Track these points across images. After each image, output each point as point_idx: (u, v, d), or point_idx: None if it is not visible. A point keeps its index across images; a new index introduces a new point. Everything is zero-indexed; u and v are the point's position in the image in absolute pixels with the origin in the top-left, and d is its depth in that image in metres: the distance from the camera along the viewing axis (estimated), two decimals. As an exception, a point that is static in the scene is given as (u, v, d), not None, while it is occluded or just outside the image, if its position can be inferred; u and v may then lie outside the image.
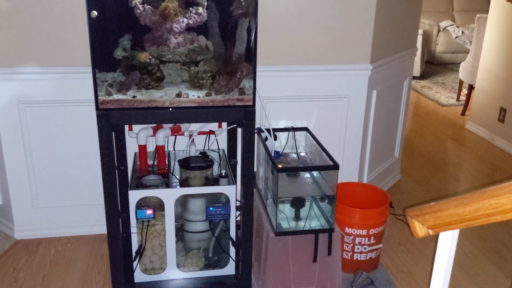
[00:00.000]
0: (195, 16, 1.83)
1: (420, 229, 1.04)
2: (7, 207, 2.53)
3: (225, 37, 1.90)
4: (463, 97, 5.17)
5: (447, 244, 1.03)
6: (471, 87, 4.77)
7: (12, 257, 2.40)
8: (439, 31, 6.84)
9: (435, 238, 1.13)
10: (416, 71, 6.12)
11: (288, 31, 2.41)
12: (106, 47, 1.86)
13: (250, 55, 1.88)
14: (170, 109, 1.85)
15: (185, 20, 1.83)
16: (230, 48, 1.90)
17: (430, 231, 1.03)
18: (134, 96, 1.83)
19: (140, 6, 1.78)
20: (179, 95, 1.86)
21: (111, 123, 1.82)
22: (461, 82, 5.14)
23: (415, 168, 3.59)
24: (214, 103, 1.88)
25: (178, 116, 1.89)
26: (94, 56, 1.79)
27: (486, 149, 4.00)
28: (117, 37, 1.87)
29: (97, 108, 1.80)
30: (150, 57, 1.85)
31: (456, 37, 6.77)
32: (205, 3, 1.84)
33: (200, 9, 1.84)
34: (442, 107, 5.13)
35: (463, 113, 4.85)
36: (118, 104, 1.81)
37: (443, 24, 6.91)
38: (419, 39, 6.09)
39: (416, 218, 1.05)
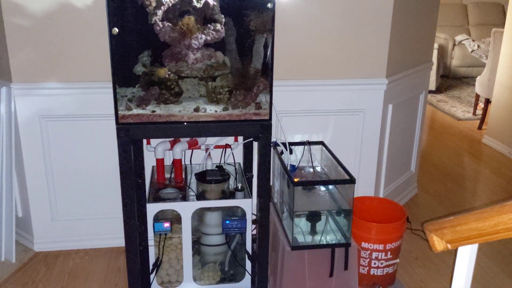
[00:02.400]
0: (213, 32, 1.87)
1: (439, 244, 1.04)
2: (27, 219, 2.57)
3: (242, 53, 1.94)
4: (479, 111, 5.13)
5: (466, 258, 1.03)
6: (487, 101, 4.73)
7: (31, 269, 2.43)
8: (454, 45, 6.82)
9: (453, 253, 1.12)
10: (432, 85, 6.10)
11: (304, 46, 2.44)
12: (126, 63, 1.91)
13: (267, 70, 1.91)
14: (188, 123, 1.88)
15: (203, 36, 1.86)
16: (247, 64, 1.93)
17: (449, 246, 1.03)
18: (153, 111, 1.86)
19: (160, 23, 1.83)
20: (197, 109, 1.89)
21: (130, 137, 1.85)
22: (477, 96, 5.11)
23: (432, 182, 3.56)
24: (231, 118, 1.90)
25: (196, 130, 1.91)
26: (115, 71, 1.83)
27: (504, 163, 3.95)
28: (137, 53, 1.91)
29: (117, 122, 1.84)
30: (169, 72, 1.89)
31: (472, 51, 6.75)
32: (223, 20, 1.88)
33: (218, 26, 1.87)
34: (458, 121, 5.10)
35: (479, 127, 4.81)
36: (138, 119, 1.85)
37: (458, 38, 6.90)
38: (435, 53, 6.08)
39: (434, 232, 1.05)
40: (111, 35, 1.77)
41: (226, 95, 1.93)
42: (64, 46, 2.30)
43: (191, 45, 1.85)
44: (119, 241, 2.50)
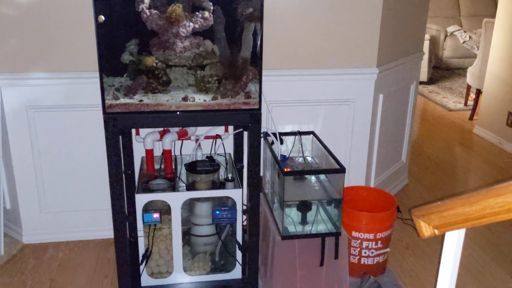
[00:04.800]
0: (201, 20, 1.85)
1: (426, 229, 1.03)
2: (15, 211, 2.55)
3: (231, 41, 1.92)
4: (470, 102, 5.15)
5: (453, 243, 1.03)
6: (478, 92, 4.75)
7: (20, 261, 2.41)
8: (446, 36, 6.82)
9: (442, 241, 1.12)
10: (424, 76, 6.11)
11: (294, 35, 2.42)
12: (113, 51, 1.88)
13: (256, 59, 1.89)
14: (177, 112, 1.86)
15: (191, 24, 1.84)
16: (236, 52, 1.91)
17: (436, 231, 1.02)
18: (140, 100, 1.84)
19: (147, 10, 1.80)
20: (185, 99, 1.87)
21: (118, 127, 1.83)
22: (468, 87, 5.12)
23: (423, 172, 3.57)
24: (220, 107, 1.89)
25: (184, 120, 1.89)
26: (101, 60, 1.81)
27: (494, 153, 3.97)
28: (124, 41, 1.89)
29: (104, 112, 1.82)
30: (157, 61, 1.86)
31: (464, 42, 6.75)
32: (211, 8, 1.85)
33: (206, 14, 1.85)
34: (449, 112, 5.11)
35: (471, 118, 4.82)
36: (125, 108, 1.82)
37: (450, 29, 6.90)
38: (426, 44, 6.08)
39: (422, 218, 1.04)
40: (97, 23, 1.74)
41: (215, 84, 1.91)
42: (51, 35, 2.26)
43: (179, 33, 1.83)
44: (109, 232, 2.49)
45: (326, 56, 2.48)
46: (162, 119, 1.87)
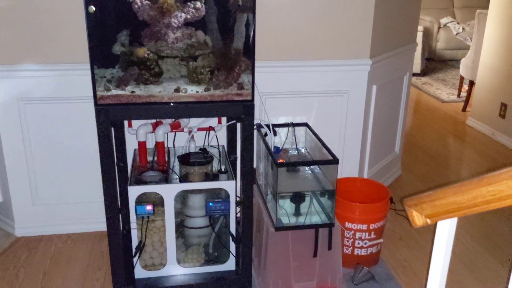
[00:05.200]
0: (193, 11, 1.83)
1: (418, 218, 1.03)
2: (7, 204, 2.53)
3: (224, 32, 1.90)
4: (464, 93, 5.16)
5: (445, 232, 1.03)
6: (471, 83, 4.76)
7: (12, 254, 2.40)
8: (439, 28, 6.82)
9: (435, 231, 1.12)
10: (417, 68, 6.11)
11: (287, 26, 2.41)
12: (104, 42, 1.86)
13: (249, 50, 1.88)
14: (169, 104, 1.85)
15: (183, 15, 1.82)
16: (228, 43, 1.90)
17: (428, 220, 1.02)
18: (132, 92, 1.83)
19: (138, 1, 1.78)
20: (177, 90, 1.86)
21: (110, 119, 1.82)
22: (461, 78, 5.13)
23: (416, 164, 3.58)
24: (213, 98, 1.88)
25: (177, 111, 1.88)
26: (93, 52, 1.79)
27: (487, 144, 3.99)
28: (115, 32, 1.87)
29: (96, 104, 1.80)
30: (148, 52, 1.85)
31: (457, 34, 6.76)
32: (203, -2, 1.84)
33: (198, 4, 1.83)
34: (443, 104, 5.12)
35: (464, 109, 4.84)
36: (117, 100, 1.81)
37: (443, 21, 6.90)
38: (420, 36, 6.08)
39: (414, 207, 1.04)
40: (88, 14, 1.72)
41: (207, 75, 1.90)
42: (42, 27, 2.24)
43: (170, 24, 1.81)
44: (102, 225, 2.47)
45: (319, 47, 2.47)
46: (154, 111, 1.85)
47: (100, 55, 1.85)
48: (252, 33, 1.86)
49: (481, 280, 2.29)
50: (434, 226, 1.09)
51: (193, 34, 1.89)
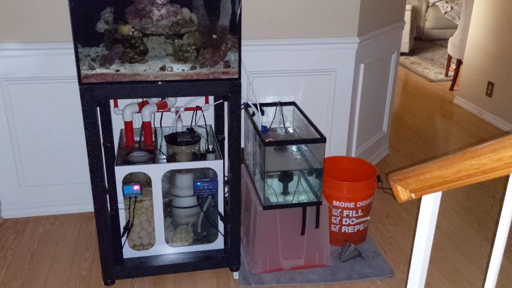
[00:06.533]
0: (178, -13, 1.80)
1: (403, 193, 1.04)
2: (-6, 186, 2.51)
3: (209, 9, 1.87)
4: (451, 73, 5.18)
5: (430, 207, 1.04)
6: (459, 62, 4.77)
7: None
8: (428, 7, 6.80)
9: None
10: (405, 47, 6.11)
11: (274, 4, 2.38)
12: (87, 20, 1.83)
13: (235, 27, 1.86)
14: (155, 83, 1.83)
15: (167, -9, 1.79)
16: (214, 21, 1.87)
17: (413, 195, 1.03)
18: (117, 70, 1.80)
19: (121, -23, 1.74)
20: (163, 68, 1.83)
21: (94, 98, 1.80)
22: (449, 57, 5.14)
23: (404, 143, 3.61)
24: (199, 77, 1.86)
25: (163, 90, 1.86)
26: (76, 30, 1.76)
27: (474, 123, 4.02)
28: (98, 9, 1.83)
29: (80, 83, 1.78)
30: (133, 30, 1.82)
31: (445, 13, 6.75)
32: (188, -26, 1.80)
33: (183, -20, 1.80)
34: (430, 83, 5.14)
35: (451, 88, 4.86)
36: (102, 78, 1.78)
37: None
38: (408, 15, 6.05)
39: (398, 182, 1.05)
40: (70, -10, 1.68)
41: (193, 53, 1.88)
42: (24, 4, 2.19)
43: (155, 1, 1.78)
44: (90, 206, 2.45)
45: (306, 25, 2.45)
46: (140, 89, 1.83)
47: (84, 33, 1.82)
48: (238, 10, 1.83)
49: (465, 255, 2.34)
50: (419, 203, 1.10)
51: (179, 11, 1.86)
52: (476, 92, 4.18)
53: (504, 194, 0.87)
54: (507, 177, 0.88)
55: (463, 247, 2.40)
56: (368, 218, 2.35)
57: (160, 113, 2.29)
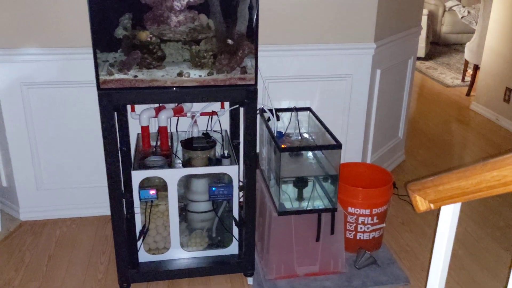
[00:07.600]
0: (196, -6, 1.81)
1: (422, 204, 1.03)
2: (12, 189, 2.54)
3: (227, 16, 1.88)
4: (468, 78, 5.12)
5: (449, 217, 1.03)
6: (476, 68, 4.72)
7: (18, 238, 2.42)
8: (444, 11, 6.74)
9: (438, 216, 1.12)
10: (421, 52, 6.06)
11: (291, 9, 2.38)
12: (106, 26, 1.85)
13: (252, 33, 1.86)
14: (172, 88, 1.84)
15: (185, -2, 1.80)
16: (231, 27, 1.88)
17: (432, 205, 1.02)
18: (135, 76, 1.82)
19: (140, -16, 1.76)
20: (180, 74, 1.85)
21: (112, 103, 1.82)
22: (466, 63, 5.09)
23: (420, 149, 3.58)
24: (216, 82, 1.87)
25: (180, 95, 1.88)
26: (95, 35, 1.78)
27: (491, 129, 3.97)
28: (117, 16, 1.85)
29: (99, 88, 1.80)
30: (151, 36, 1.83)
31: (462, 17, 6.68)
32: (206, -19, 1.81)
33: (201, -13, 1.81)
34: (447, 88, 5.09)
35: (468, 94, 4.81)
36: (119, 84, 1.80)
37: (448, 4, 6.82)
38: (425, 19, 6.01)
39: (417, 192, 1.04)
40: (90, -3, 1.71)
41: (210, 59, 1.89)
42: (44, 10, 2.22)
43: (173, 7, 1.80)
44: (106, 209, 2.49)
45: (323, 30, 2.45)
46: (157, 95, 1.85)
47: (103, 39, 1.84)
48: (255, 16, 1.84)
49: (483, 265, 2.30)
50: (436, 211, 1.09)
51: (196, 17, 1.87)
52: (493, 98, 4.13)
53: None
54: (529, 189, 0.87)
55: (480, 256, 2.37)
56: (384, 225, 2.34)
57: (176, 118, 2.30)
